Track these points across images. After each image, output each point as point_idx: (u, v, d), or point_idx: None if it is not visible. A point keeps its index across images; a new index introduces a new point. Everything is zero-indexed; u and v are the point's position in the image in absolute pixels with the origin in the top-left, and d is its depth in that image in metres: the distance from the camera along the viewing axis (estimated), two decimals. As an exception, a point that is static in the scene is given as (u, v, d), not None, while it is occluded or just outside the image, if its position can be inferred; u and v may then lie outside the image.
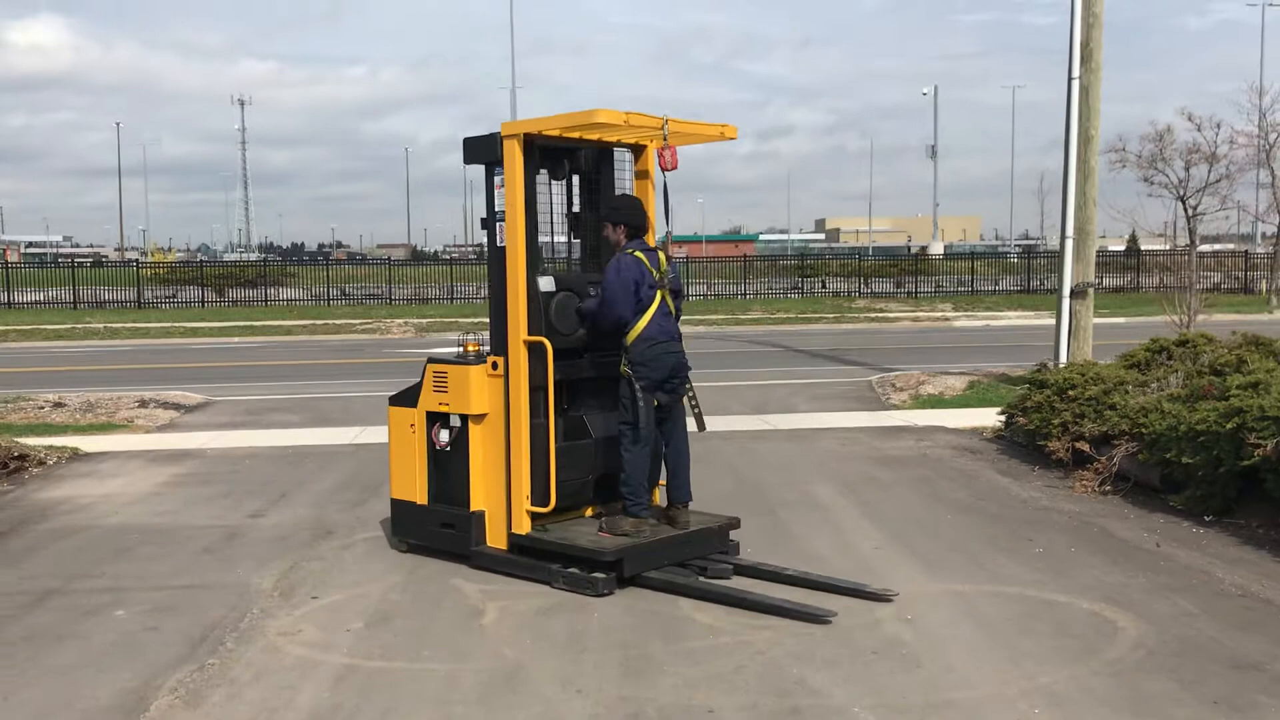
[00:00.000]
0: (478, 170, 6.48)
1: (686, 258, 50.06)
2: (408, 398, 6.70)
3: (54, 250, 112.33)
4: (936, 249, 60.00)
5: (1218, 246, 51.07)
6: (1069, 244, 14.00)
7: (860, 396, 14.62)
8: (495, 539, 6.34)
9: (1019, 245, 79.08)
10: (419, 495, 6.67)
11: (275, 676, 4.81)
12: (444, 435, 6.51)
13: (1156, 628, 5.23)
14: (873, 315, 32.70)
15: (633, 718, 4.30)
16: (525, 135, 6.11)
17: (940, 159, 67.87)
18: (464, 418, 6.40)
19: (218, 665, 4.95)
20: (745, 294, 40.52)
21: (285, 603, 5.86)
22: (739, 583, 6.01)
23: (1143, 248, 45.37)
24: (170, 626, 5.50)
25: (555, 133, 6.27)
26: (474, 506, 6.39)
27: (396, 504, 6.84)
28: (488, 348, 6.46)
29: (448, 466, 6.53)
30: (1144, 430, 8.21)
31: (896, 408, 13.48)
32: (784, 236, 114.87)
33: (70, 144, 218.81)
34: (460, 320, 28.71)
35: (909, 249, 75.85)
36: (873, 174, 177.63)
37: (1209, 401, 7.69)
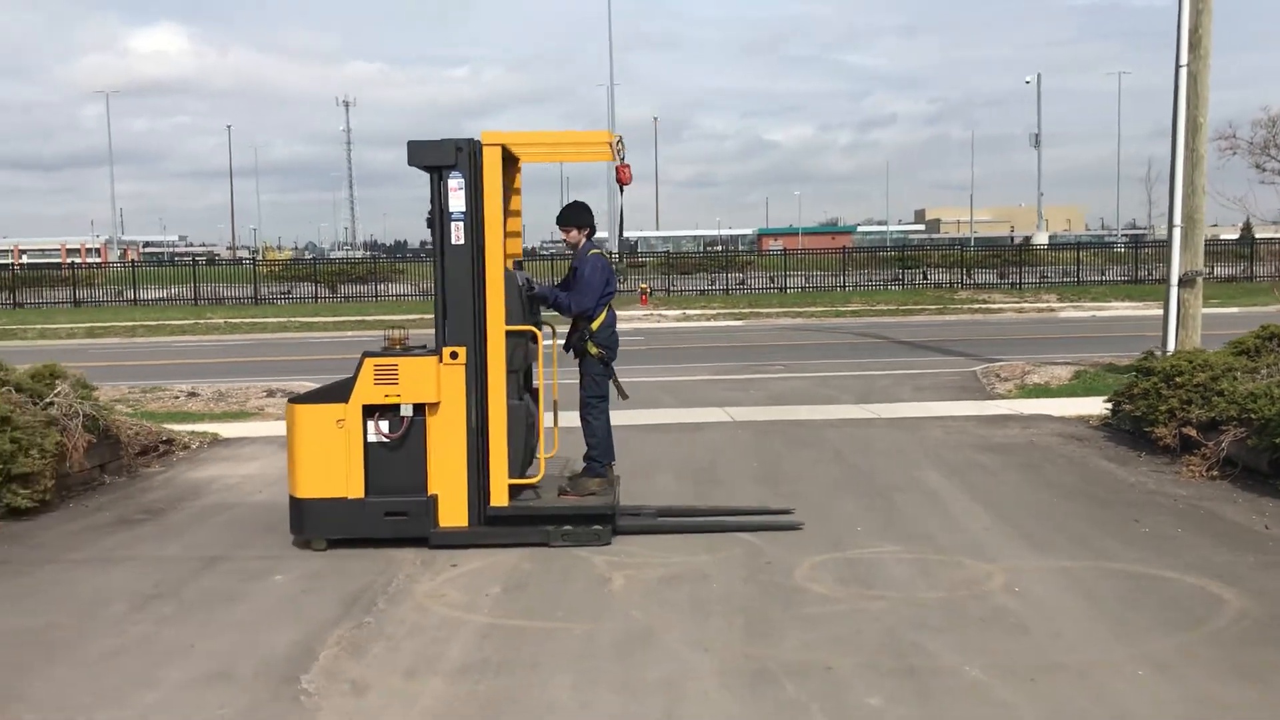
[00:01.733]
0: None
1: (783, 250, 50.02)
2: (330, 394, 6.75)
3: (170, 249, 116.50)
4: (1041, 239, 59.01)
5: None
6: (1177, 232, 13.93)
7: (964, 386, 14.72)
8: (451, 518, 6.71)
9: (1125, 234, 77.18)
10: (350, 490, 6.66)
11: (426, 633, 5.26)
12: (385, 426, 6.68)
13: (1262, 601, 5.40)
14: (975, 306, 32.44)
15: (757, 674, 4.64)
16: (503, 146, 6.69)
17: (1043, 147, 66.58)
18: (418, 407, 6.67)
19: (373, 623, 5.43)
20: (844, 286, 40.40)
21: (427, 570, 6.33)
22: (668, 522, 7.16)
23: (1258, 236, 44.06)
24: (326, 590, 6.00)
25: (523, 146, 7.09)
26: (431, 490, 6.70)
27: (309, 503, 6.72)
28: (418, 343, 7.06)
29: (393, 457, 6.69)
30: (1253, 416, 8.26)
31: (1002, 397, 13.56)
32: (882, 228, 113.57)
33: (187, 147, 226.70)
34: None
35: (1011, 239, 74.61)
36: (974, 163, 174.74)
37: (1320, 387, 7.73)
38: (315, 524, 6.76)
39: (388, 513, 6.68)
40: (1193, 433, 8.95)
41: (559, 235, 7.35)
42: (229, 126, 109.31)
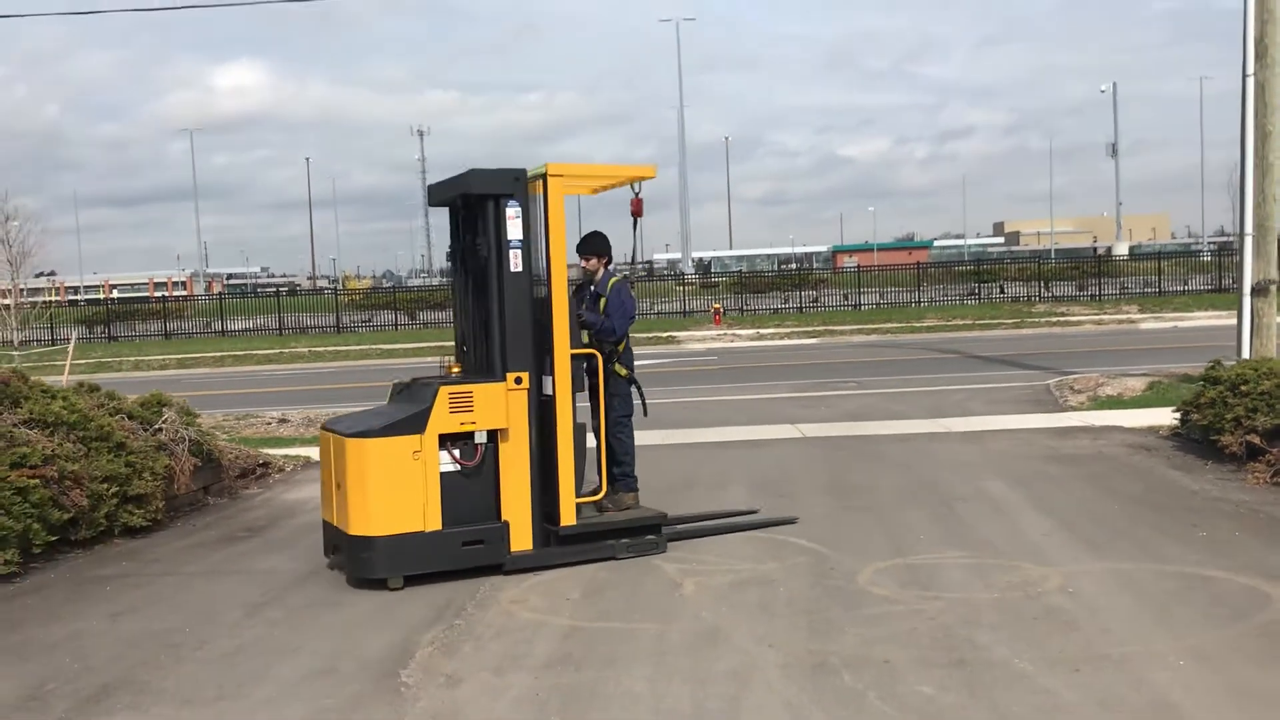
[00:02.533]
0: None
1: (858, 267, 50.06)
2: (405, 426, 6.63)
3: (253, 280, 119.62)
4: (1121, 249, 58.19)
5: None
6: (1248, 241, 13.97)
7: (1037, 400, 14.84)
8: (520, 543, 6.87)
9: (1213, 242, 75.63)
10: (428, 523, 6.62)
11: (513, 634, 5.69)
12: (459, 453, 6.76)
13: (1309, 599, 5.60)
14: (1053, 319, 32.27)
15: (818, 666, 4.98)
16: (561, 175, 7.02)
17: (1127, 155, 66.04)
18: (492, 433, 6.81)
19: (463, 625, 5.88)
20: (919, 302, 40.38)
21: (510, 579, 6.76)
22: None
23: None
24: (419, 598, 6.46)
25: (584, 178, 7.55)
26: (504, 517, 6.86)
27: (383, 541, 6.56)
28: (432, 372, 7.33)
29: (468, 485, 6.77)
30: (1316, 422, 8.39)
31: (1074, 409, 13.68)
32: (960, 241, 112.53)
33: (266, 179, 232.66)
34: (649, 330, 29.76)
35: (1094, 250, 73.60)
36: (1052, 173, 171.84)
37: (1380, 392, 7.84)
38: (392, 562, 6.59)
39: (465, 542, 6.71)
40: (1257, 440, 9.07)
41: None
42: (307, 159, 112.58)
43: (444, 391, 6.69)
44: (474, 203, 6.97)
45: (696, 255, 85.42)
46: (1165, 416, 11.61)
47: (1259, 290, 13.88)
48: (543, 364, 6.97)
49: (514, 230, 6.88)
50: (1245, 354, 13.55)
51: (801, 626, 5.57)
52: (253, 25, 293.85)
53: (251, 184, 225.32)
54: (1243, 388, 9.66)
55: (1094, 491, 8.59)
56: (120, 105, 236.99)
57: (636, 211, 7.46)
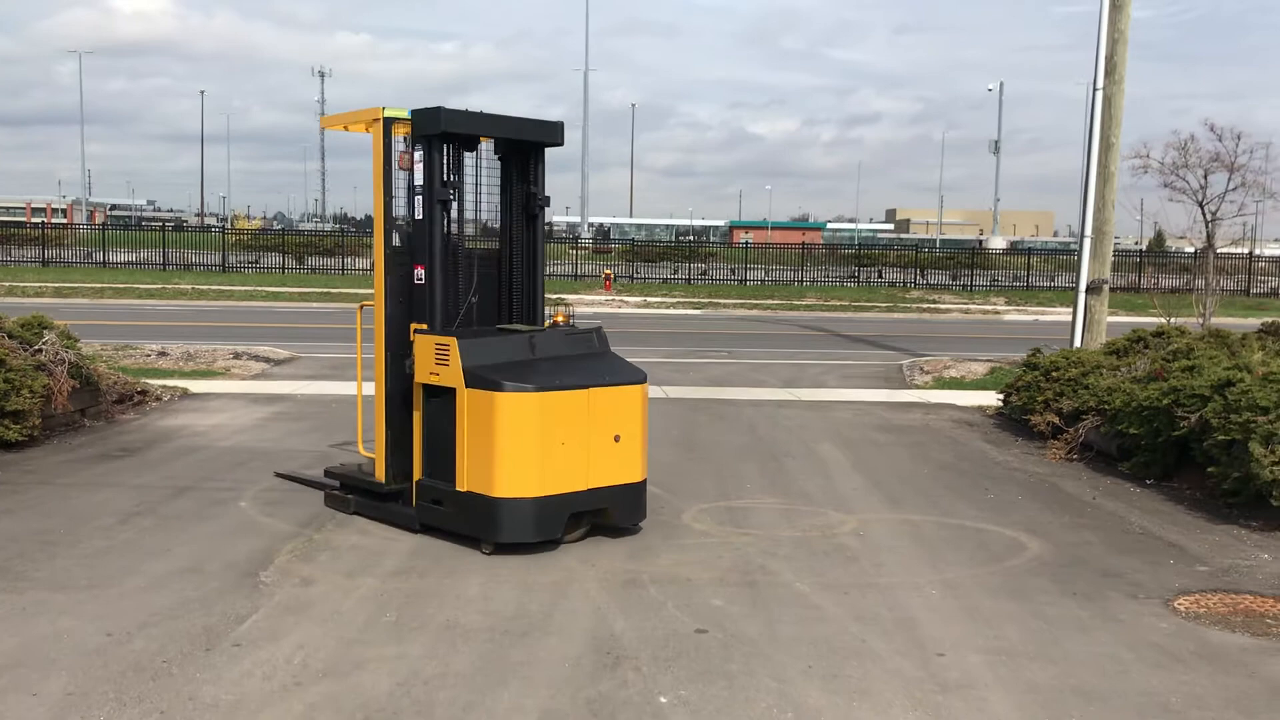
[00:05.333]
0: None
1: (748, 244, 51.24)
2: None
3: (138, 213, 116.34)
4: (997, 243, 60.51)
5: (1281, 251, 51.00)
6: (1086, 243, 15.15)
7: (888, 377, 15.89)
8: None
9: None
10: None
11: (366, 547, 6.33)
12: None
13: (1056, 548, 6.57)
14: (925, 306, 33.73)
15: (629, 582, 5.74)
16: None
17: (1022, 153, 68.93)
18: None
19: (322, 538, 6.49)
20: (802, 281, 41.66)
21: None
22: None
23: (1219, 250, 45.62)
24: (283, 514, 7.05)
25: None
26: None
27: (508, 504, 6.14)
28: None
29: None
30: (1107, 406, 9.45)
31: (917, 387, 14.74)
32: (852, 226, 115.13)
33: (161, 110, 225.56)
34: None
35: (979, 242, 76.24)
36: (943, 166, 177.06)
37: (1158, 382, 8.91)
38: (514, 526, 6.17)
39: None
40: (1059, 420, 10.14)
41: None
42: (202, 91, 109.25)
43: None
44: (529, 149, 6.88)
45: (596, 220, 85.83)
46: (995, 398, 12.69)
47: (1093, 288, 15.10)
48: None
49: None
50: (1077, 345, 14.76)
51: (622, 552, 6.32)
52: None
53: (145, 113, 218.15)
54: (1054, 373, 10.74)
55: (910, 458, 9.54)
56: (8, 18, 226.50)
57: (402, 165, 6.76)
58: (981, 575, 6.01)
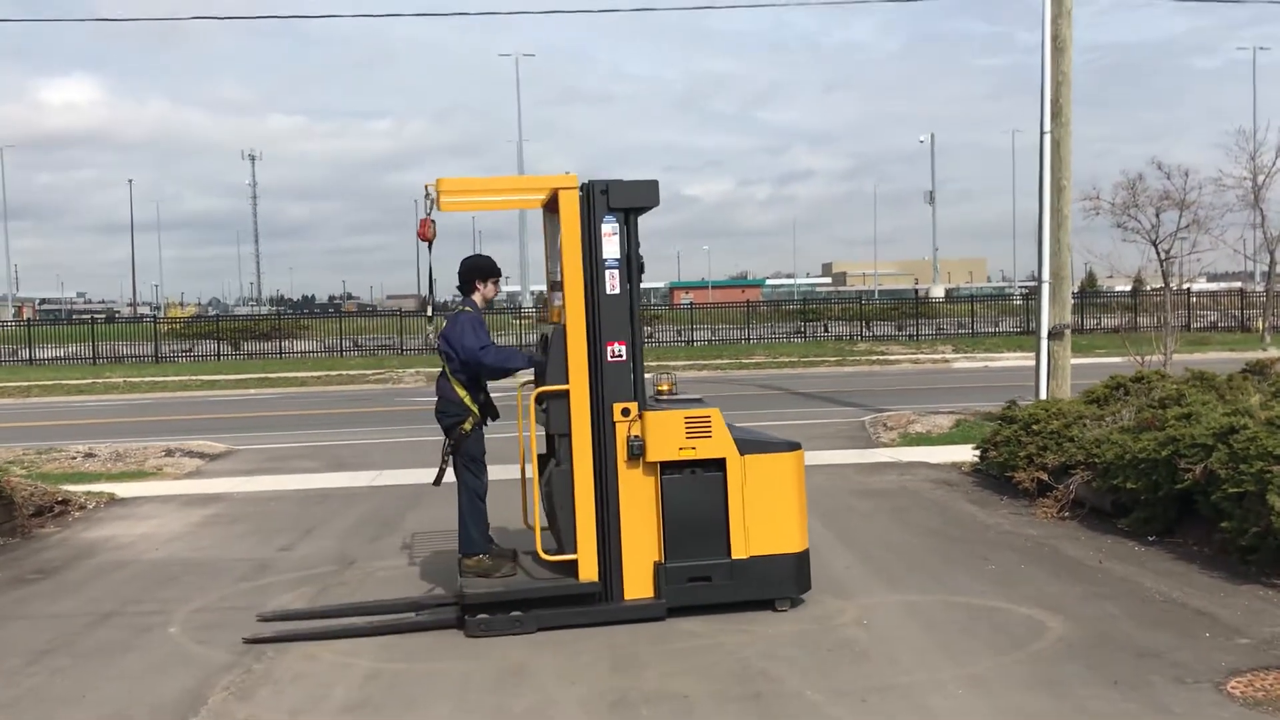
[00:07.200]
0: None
1: (690, 304, 50.94)
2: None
3: (68, 306, 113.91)
4: (938, 292, 60.88)
5: (1217, 285, 51.81)
6: (1045, 288, 14.81)
7: (852, 435, 15.36)
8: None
9: (1024, 286, 79.84)
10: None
11: (312, 678, 5.57)
12: None
13: (1080, 626, 5.99)
14: (874, 358, 33.44)
15: (618, 705, 5.05)
16: None
17: (952, 202, 69.75)
18: None
19: (262, 669, 5.72)
20: (749, 339, 41.32)
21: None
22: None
23: (1147, 288, 46.19)
24: (218, 640, 6.27)
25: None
26: None
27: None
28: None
29: None
30: (1097, 460, 8.95)
31: (885, 445, 14.23)
32: (790, 281, 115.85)
33: (91, 201, 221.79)
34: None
35: (916, 292, 76.89)
36: (877, 218, 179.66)
37: (1151, 432, 8.44)
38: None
39: None
40: (1046, 477, 9.62)
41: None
42: (130, 180, 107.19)
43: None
44: (634, 215, 6.51)
45: (537, 289, 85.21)
46: (968, 453, 12.19)
47: (1055, 334, 14.74)
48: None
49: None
50: (1043, 394, 14.34)
51: (605, 664, 5.63)
52: (89, 39, 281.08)
53: (75, 205, 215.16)
54: (1034, 427, 10.25)
55: (896, 526, 8.96)
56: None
57: (423, 235, 6.68)
58: (1007, 665, 5.40)
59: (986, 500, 10.01)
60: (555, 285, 7.17)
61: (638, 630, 6.16)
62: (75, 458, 14.38)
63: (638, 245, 6.45)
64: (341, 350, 40.06)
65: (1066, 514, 9.06)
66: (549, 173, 7.37)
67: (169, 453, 14.75)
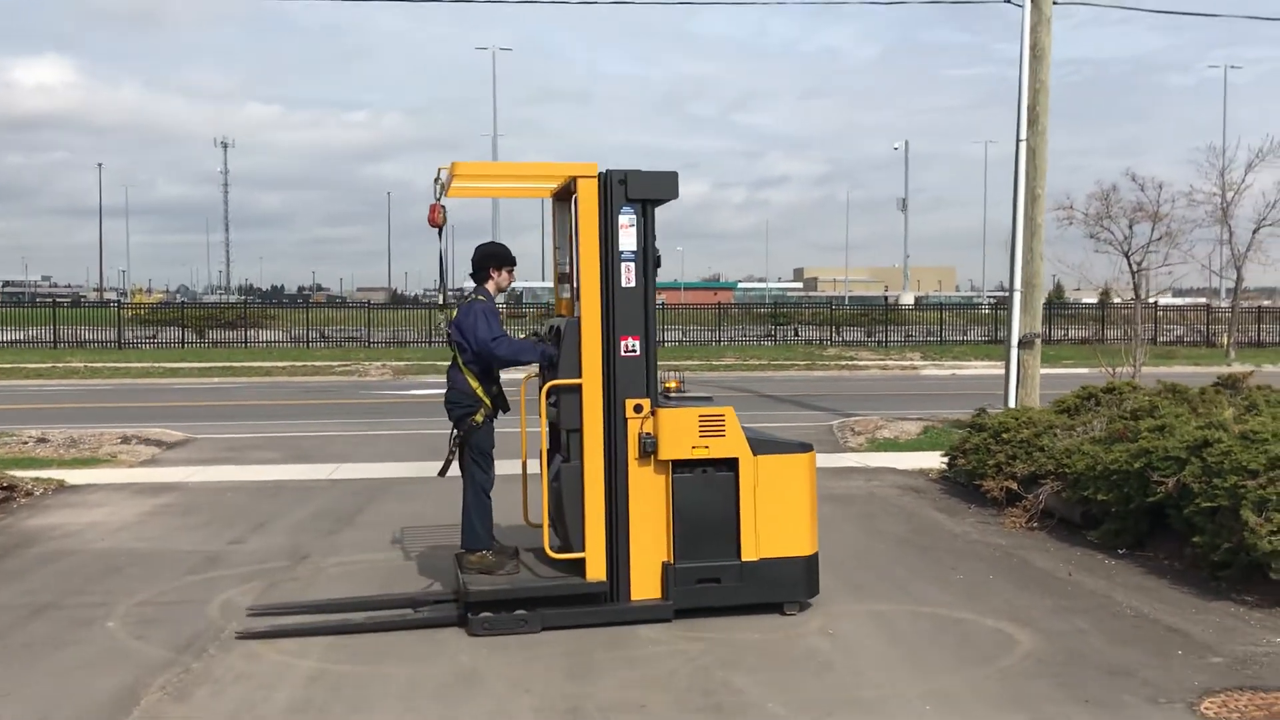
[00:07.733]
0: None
1: (663, 305, 50.80)
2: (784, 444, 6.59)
3: (32, 289, 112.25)
4: (907, 299, 61.15)
5: (1182, 300, 52.21)
6: (1016, 297, 14.76)
7: (820, 439, 15.18)
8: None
9: (992, 296, 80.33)
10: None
11: (254, 678, 5.33)
12: None
13: (1049, 641, 5.83)
14: (843, 363, 33.38)
15: (572, 713, 4.84)
16: None
17: (925, 210, 69.73)
18: None
19: (201, 668, 5.48)
20: (720, 341, 41.21)
21: (265, 617, 6.37)
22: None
23: (1114, 300, 46.49)
24: (157, 636, 6.01)
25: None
26: None
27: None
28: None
29: None
30: (1067, 470, 8.83)
31: (852, 450, 14.08)
32: (762, 285, 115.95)
33: (61, 184, 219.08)
34: (439, 364, 29.18)
35: (885, 299, 77.16)
36: (849, 225, 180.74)
37: (1123, 443, 8.32)
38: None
39: None
40: (1015, 486, 9.50)
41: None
42: (100, 164, 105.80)
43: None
44: (652, 207, 6.29)
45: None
46: (935, 460, 12.06)
47: (1025, 343, 14.68)
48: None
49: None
50: (1012, 402, 14.28)
51: (560, 671, 5.43)
52: (65, 19, 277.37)
53: (44, 188, 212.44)
54: (1004, 435, 10.12)
55: (861, 532, 8.80)
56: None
57: (434, 221, 6.49)
58: (976, 680, 5.23)
59: (954, 508, 9.87)
60: (564, 277, 7.06)
61: (594, 635, 5.96)
62: (27, 443, 14.00)
63: (654, 238, 6.25)
64: (308, 341, 39.58)
65: (1035, 524, 8.94)
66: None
67: (125, 439, 14.39)
